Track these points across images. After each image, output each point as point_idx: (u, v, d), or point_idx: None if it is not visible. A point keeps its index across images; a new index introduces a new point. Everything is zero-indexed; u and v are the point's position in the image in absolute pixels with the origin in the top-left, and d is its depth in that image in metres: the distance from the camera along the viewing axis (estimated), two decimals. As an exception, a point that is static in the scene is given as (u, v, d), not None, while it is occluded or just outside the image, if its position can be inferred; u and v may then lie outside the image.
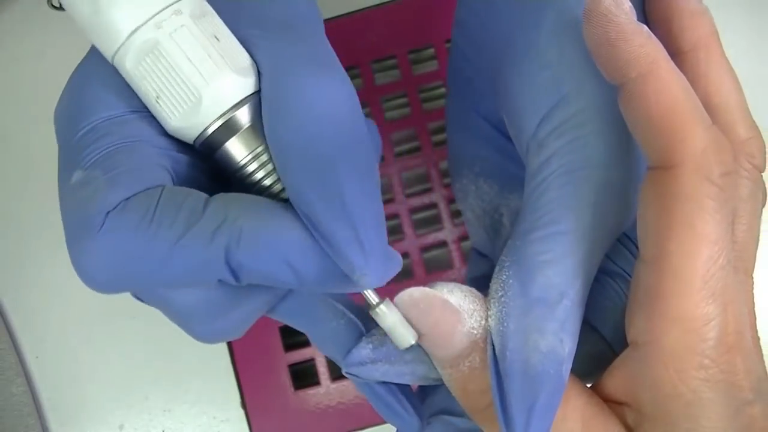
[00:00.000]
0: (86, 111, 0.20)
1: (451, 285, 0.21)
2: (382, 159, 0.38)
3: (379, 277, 0.19)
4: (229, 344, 0.38)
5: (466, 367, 0.21)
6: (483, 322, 0.20)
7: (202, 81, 0.19)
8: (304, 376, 0.38)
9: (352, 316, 0.23)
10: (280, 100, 0.19)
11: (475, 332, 0.20)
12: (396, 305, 0.21)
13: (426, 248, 0.38)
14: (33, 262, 0.40)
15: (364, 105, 0.38)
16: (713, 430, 0.18)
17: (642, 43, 0.18)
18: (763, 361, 0.19)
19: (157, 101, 0.20)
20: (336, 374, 0.38)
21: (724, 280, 0.18)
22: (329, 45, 0.21)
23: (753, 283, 0.20)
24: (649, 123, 0.18)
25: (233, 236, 0.18)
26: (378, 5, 0.38)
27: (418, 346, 0.21)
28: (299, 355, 0.38)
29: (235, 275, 0.19)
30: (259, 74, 0.20)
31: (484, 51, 0.25)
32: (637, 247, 0.20)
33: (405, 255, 0.38)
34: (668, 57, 0.19)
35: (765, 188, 0.21)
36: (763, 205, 0.21)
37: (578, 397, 0.20)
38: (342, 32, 0.38)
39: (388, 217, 0.38)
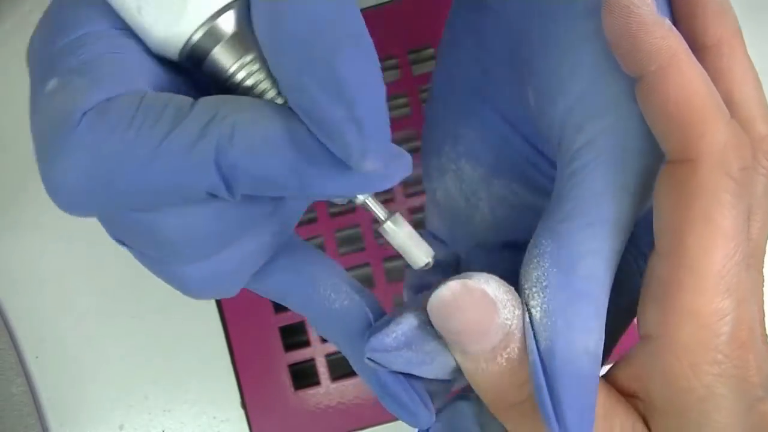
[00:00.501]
0: (67, 27, 0.19)
1: (485, 275, 0.20)
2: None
3: (381, 162, 0.17)
4: (229, 344, 0.38)
5: (504, 359, 0.20)
6: (516, 311, 0.20)
7: None
8: (304, 376, 0.38)
9: (357, 297, 0.22)
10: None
11: (509, 323, 0.20)
12: (432, 306, 0.20)
13: (426, 248, 0.38)
14: (33, 262, 0.41)
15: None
16: (725, 425, 0.19)
17: (663, 36, 0.18)
18: None
19: (138, 12, 0.18)
20: (336, 374, 0.38)
21: (738, 276, 0.18)
22: None
23: (763, 280, 0.20)
24: (668, 116, 0.18)
25: (224, 133, 0.17)
26: (378, 5, 0.38)
27: (441, 340, 0.21)
28: (299, 355, 0.38)
29: (227, 183, 0.17)
30: None
31: (514, 20, 0.23)
32: (641, 242, 0.20)
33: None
34: (689, 50, 0.18)
35: None
36: None
37: (599, 389, 0.20)
38: (342, 32, 0.38)
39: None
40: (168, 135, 0.17)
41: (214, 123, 0.17)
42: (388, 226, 0.19)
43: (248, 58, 0.19)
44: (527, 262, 0.20)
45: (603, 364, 0.22)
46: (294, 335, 0.38)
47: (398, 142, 0.39)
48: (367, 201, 0.19)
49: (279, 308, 0.38)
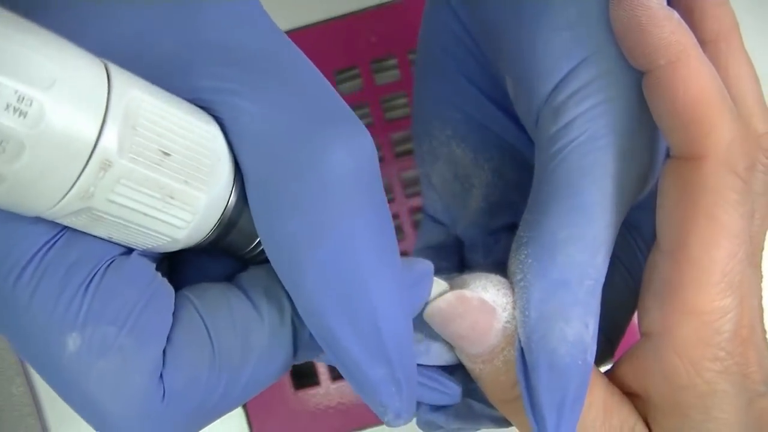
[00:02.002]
0: (11, 248, 0.15)
1: (483, 279, 0.20)
2: (382, 159, 0.38)
3: (410, 415, 0.17)
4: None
5: (500, 361, 0.20)
6: (512, 312, 0.20)
7: (169, 228, 0.16)
8: (304, 376, 0.38)
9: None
10: (273, 196, 0.16)
11: (509, 325, 0.20)
12: (430, 315, 0.20)
13: (426, 248, 0.38)
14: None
15: (364, 105, 0.39)
16: (726, 421, 0.19)
17: (673, 30, 0.18)
18: None
19: (164, 210, 0.16)
20: (336, 374, 0.38)
21: (741, 274, 0.18)
22: (331, 88, 0.17)
23: (762, 276, 0.20)
24: (676, 112, 0.18)
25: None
26: (378, 5, 0.38)
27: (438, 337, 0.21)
28: (299, 355, 0.38)
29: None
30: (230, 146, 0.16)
31: (486, 11, 0.23)
32: (642, 239, 0.20)
33: (404, 254, 0.38)
34: (698, 45, 0.18)
35: None
36: None
37: (599, 384, 0.20)
38: (342, 32, 0.38)
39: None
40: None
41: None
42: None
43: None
44: (511, 255, 0.20)
45: (608, 358, 0.22)
46: (294, 335, 0.38)
47: (398, 142, 0.39)
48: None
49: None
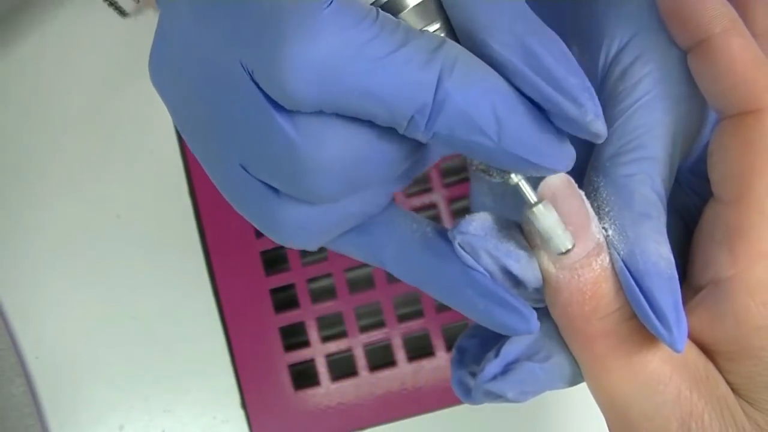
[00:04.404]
0: None
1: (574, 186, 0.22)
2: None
3: (603, 127, 0.19)
4: (229, 344, 0.38)
5: (598, 266, 0.20)
6: (601, 228, 0.21)
7: None
8: (304, 376, 0.38)
9: (444, 228, 0.22)
10: None
11: (599, 234, 0.21)
12: (545, 189, 0.21)
13: (426, 248, 0.38)
14: (33, 262, 0.40)
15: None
16: None
17: (724, 4, 0.20)
18: None
19: None
20: (336, 374, 0.38)
21: None
22: None
23: None
24: (732, 74, 0.20)
25: (448, 62, 0.17)
26: (378, 5, 0.38)
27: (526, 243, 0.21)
28: (299, 355, 0.38)
29: (432, 112, 0.17)
30: None
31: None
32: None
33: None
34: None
35: None
36: None
37: None
38: (342, 32, 0.38)
39: (388, 217, 0.38)
40: (403, 46, 0.17)
41: (441, 50, 0.17)
42: (539, 209, 0.20)
43: (434, 26, 0.19)
44: (590, 198, 0.21)
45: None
46: (294, 335, 0.38)
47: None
48: (521, 183, 0.20)
49: (279, 308, 0.38)
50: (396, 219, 0.22)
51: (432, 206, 0.38)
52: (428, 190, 0.38)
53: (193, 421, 0.40)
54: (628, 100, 0.21)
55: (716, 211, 0.21)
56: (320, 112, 0.18)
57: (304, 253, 0.39)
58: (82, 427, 0.40)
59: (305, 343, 0.38)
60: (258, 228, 0.21)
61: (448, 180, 0.39)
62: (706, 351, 0.21)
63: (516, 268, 0.21)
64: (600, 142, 0.19)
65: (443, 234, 0.22)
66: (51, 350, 0.40)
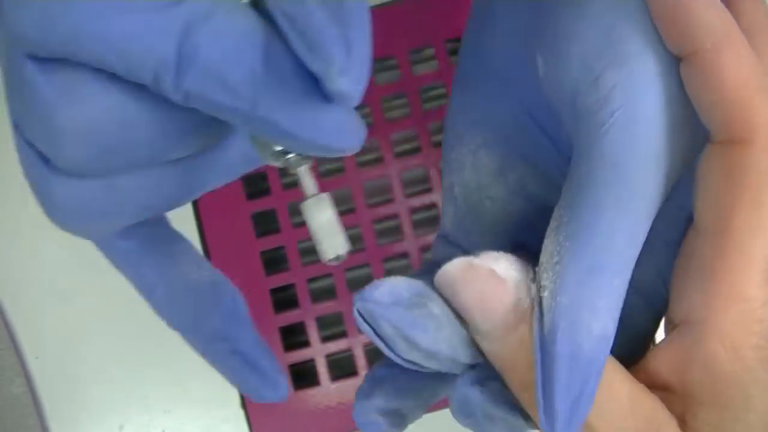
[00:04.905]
0: None
1: (496, 253, 0.20)
2: (382, 159, 0.38)
3: (357, 89, 0.16)
4: (229, 344, 0.38)
5: (516, 340, 0.19)
6: (531, 291, 0.19)
7: None
8: (304, 376, 0.38)
9: (221, 276, 0.21)
10: None
11: (523, 302, 0.19)
12: (438, 280, 0.19)
13: (426, 248, 0.38)
14: (33, 262, 0.40)
15: (364, 105, 0.38)
16: (766, 413, 0.18)
17: (718, 13, 0.18)
18: None
19: None
20: (336, 374, 0.38)
21: None
22: None
23: None
24: (721, 96, 0.18)
25: (199, 10, 0.15)
26: (378, 5, 0.38)
27: (458, 320, 0.19)
28: (299, 355, 0.38)
29: (178, 66, 0.15)
30: None
31: (523, 11, 0.22)
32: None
33: (405, 255, 0.38)
34: (740, 30, 0.18)
35: None
36: None
37: (622, 378, 0.19)
38: (342, 32, 0.38)
39: (388, 218, 0.38)
40: None
41: None
42: (310, 203, 0.18)
43: None
44: (547, 235, 0.20)
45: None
46: (294, 335, 0.38)
47: (398, 142, 0.39)
48: (300, 171, 0.18)
49: (279, 308, 0.38)
50: (175, 255, 0.21)
51: (432, 206, 0.38)
52: (428, 190, 0.38)
53: (193, 421, 0.40)
54: (603, 111, 0.18)
55: (694, 242, 0.19)
56: (75, 65, 0.15)
57: (304, 253, 0.39)
58: (82, 427, 0.40)
59: (305, 343, 0.38)
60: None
61: (448, 180, 0.39)
62: (679, 394, 0.19)
63: (423, 340, 0.19)
64: (349, 104, 0.16)
65: (222, 281, 0.21)
66: (51, 350, 0.40)
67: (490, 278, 0.19)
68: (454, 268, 0.19)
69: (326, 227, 0.18)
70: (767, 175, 0.18)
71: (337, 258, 0.18)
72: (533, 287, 0.19)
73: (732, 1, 0.20)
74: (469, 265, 0.19)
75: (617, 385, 0.19)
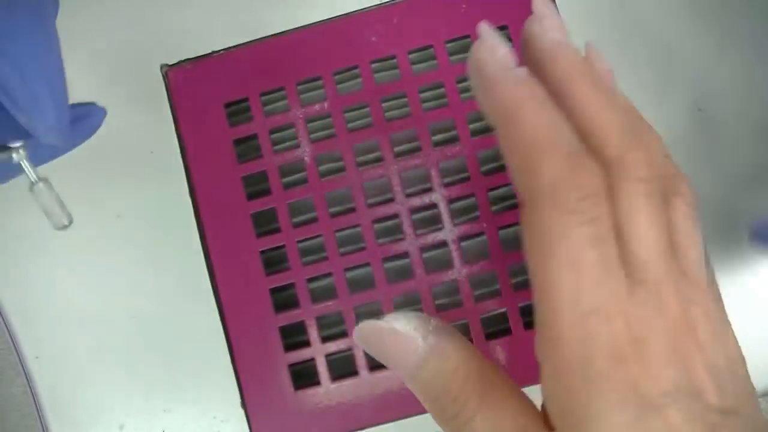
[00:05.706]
0: None
1: (395, 314, 0.24)
2: (382, 159, 0.38)
3: (64, 136, 0.21)
4: (229, 344, 0.38)
5: (430, 373, 0.22)
6: (429, 339, 0.23)
7: None
8: (304, 376, 0.38)
9: None
10: None
11: (422, 345, 0.22)
12: (355, 338, 0.24)
13: (426, 248, 0.38)
14: (33, 262, 0.40)
15: (364, 105, 0.38)
16: None
17: (510, 90, 0.20)
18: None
19: None
20: (336, 374, 0.38)
21: (601, 295, 0.18)
22: None
23: (704, 281, 0.20)
24: (512, 165, 0.20)
25: None
26: (378, 5, 0.38)
27: None
28: (299, 355, 0.38)
29: None
30: None
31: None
32: None
33: (405, 255, 0.38)
34: (541, 95, 0.20)
35: (682, 188, 0.20)
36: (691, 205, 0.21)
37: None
38: (342, 32, 0.38)
39: (388, 218, 0.38)
40: None
41: None
42: (38, 188, 0.22)
43: None
44: None
45: None
46: (294, 335, 0.38)
47: (398, 142, 0.39)
48: (22, 162, 0.22)
49: (279, 308, 0.38)
50: None
51: (432, 206, 0.38)
52: (428, 190, 0.38)
53: (193, 421, 0.40)
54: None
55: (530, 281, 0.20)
56: None
57: (304, 253, 0.39)
58: (82, 427, 0.40)
59: (305, 343, 0.38)
60: None
61: (448, 180, 0.39)
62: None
63: None
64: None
65: None
66: (51, 350, 0.40)
67: (393, 334, 0.23)
68: (361, 332, 0.23)
69: (55, 204, 0.22)
70: (549, 228, 0.19)
71: (64, 227, 0.22)
72: (429, 336, 0.23)
73: (541, 57, 0.21)
74: (372, 324, 0.23)
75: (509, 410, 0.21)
